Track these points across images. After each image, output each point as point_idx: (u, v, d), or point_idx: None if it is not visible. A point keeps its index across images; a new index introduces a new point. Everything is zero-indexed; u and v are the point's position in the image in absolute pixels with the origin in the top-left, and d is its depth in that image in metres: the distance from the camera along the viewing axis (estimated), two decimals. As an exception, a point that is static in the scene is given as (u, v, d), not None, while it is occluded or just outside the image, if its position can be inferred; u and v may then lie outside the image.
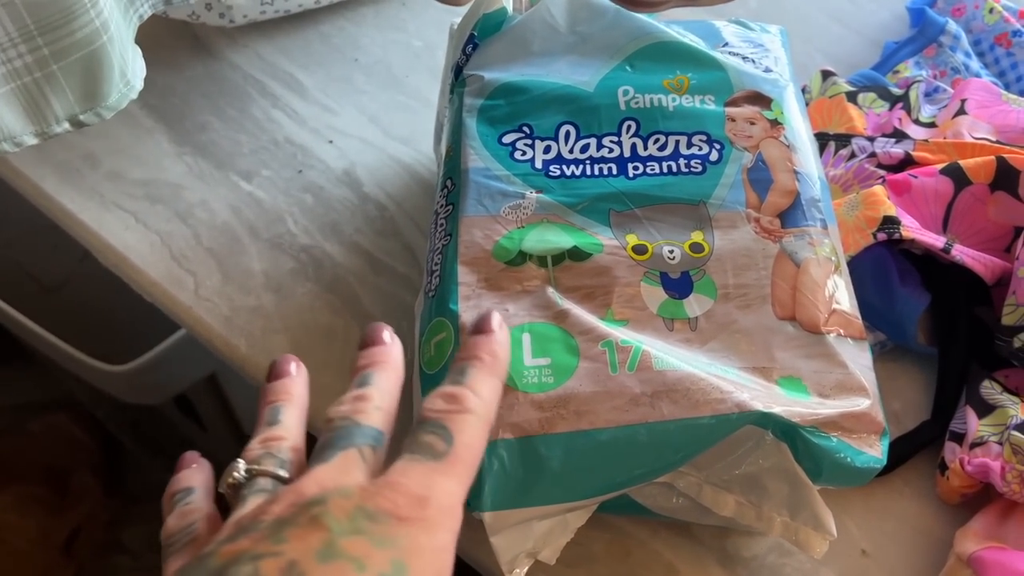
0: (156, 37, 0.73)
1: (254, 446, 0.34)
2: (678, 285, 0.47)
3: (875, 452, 0.43)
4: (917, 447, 0.52)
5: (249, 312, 0.58)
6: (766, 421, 0.42)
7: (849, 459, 0.42)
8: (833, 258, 0.47)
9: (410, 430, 0.32)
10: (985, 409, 0.50)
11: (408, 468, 0.30)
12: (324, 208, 0.64)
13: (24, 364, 1.32)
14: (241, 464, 0.33)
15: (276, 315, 0.58)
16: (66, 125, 0.52)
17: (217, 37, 0.74)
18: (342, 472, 0.30)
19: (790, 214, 0.48)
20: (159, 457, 1.46)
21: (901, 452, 0.52)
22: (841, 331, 0.45)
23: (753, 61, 0.54)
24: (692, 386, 0.43)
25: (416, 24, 0.75)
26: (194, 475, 0.36)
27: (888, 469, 0.51)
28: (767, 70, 0.54)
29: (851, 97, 0.64)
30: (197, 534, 0.32)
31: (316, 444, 0.32)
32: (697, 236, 0.48)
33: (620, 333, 0.45)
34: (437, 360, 0.45)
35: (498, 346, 0.36)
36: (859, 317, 0.47)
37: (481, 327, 0.36)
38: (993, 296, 0.55)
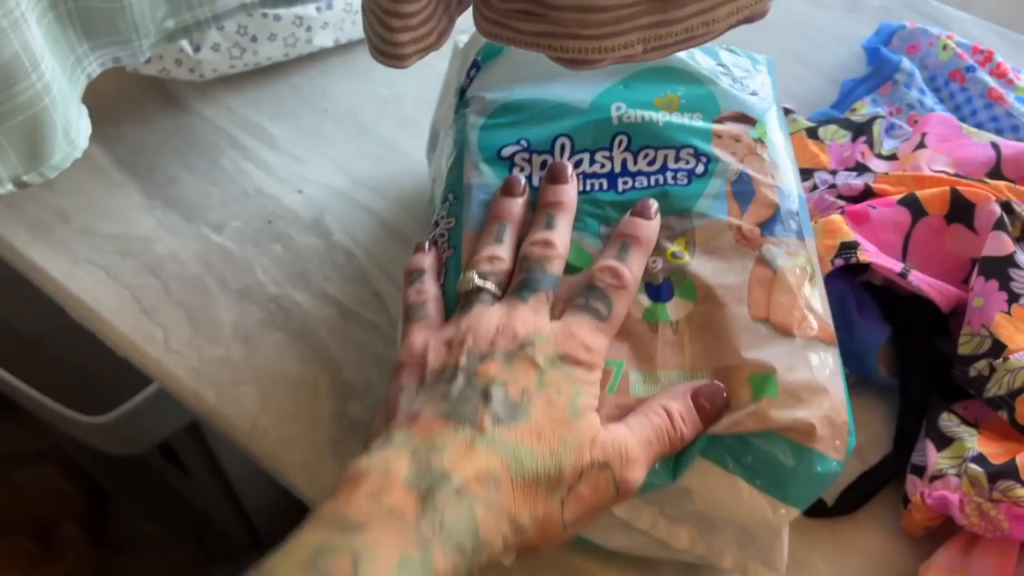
0: (127, 92, 0.75)
1: (483, 259, 0.46)
2: (660, 291, 0.49)
3: (839, 455, 0.44)
4: (881, 483, 0.52)
5: (218, 364, 0.59)
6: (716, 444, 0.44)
7: (814, 463, 0.43)
8: (808, 268, 0.48)
9: (581, 290, 0.45)
10: (944, 441, 0.50)
11: (581, 323, 0.43)
12: (293, 257, 0.64)
13: (8, 414, 1.31)
14: (474, 275, 0.45)
15: (245, 366, 0.59)
16: (9, 186, 0.53)
17: (188, 91, 0.75)
18: (536, 314, 0.43)
19: (770, 224, 0.49)
20: (145, 505, 1.45)
21: (866, 488, 0.52)
22: (812, 335, 0.46)
23: (741, 83, 0.56)
24: None
25: (383, 73, 0.76)
26: (424, 259, 0.49)
27: (855, 506, 0.52)
28: (753, 93, 0.55)
29: (811, 133, 0.66)
30: (429, 314, 0.46)
31: (515, 277, 0.46)
32: (679, 244, 0.49)
33: (615, 352, 0.46)
34: None
35: (650, 230, 0.47)
36: (831, 324, 0.47)
37: (556, 176, 0.49)
38: (952, 327, 0.56)
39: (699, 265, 0.49)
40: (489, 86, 0.56)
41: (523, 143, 0.53)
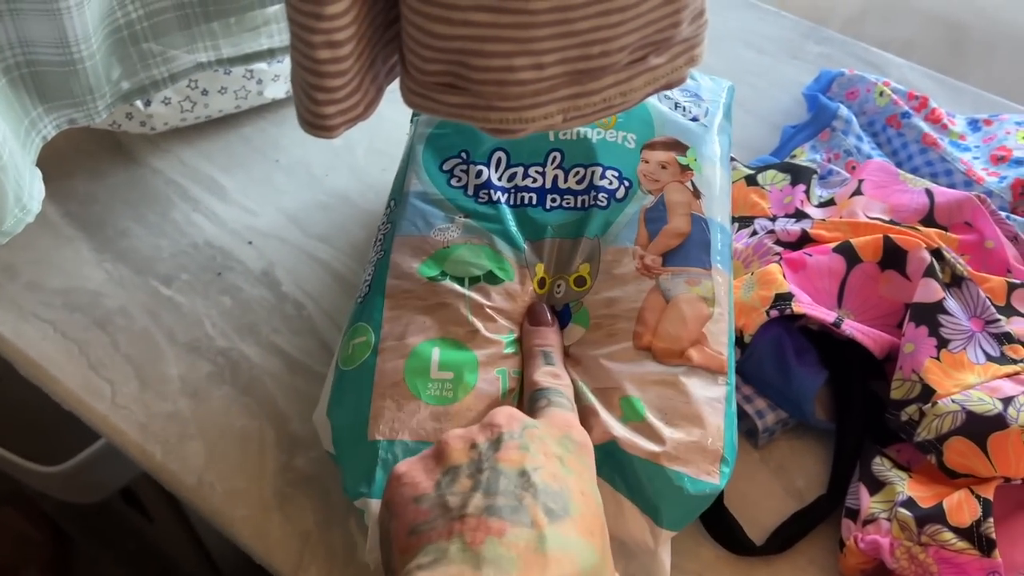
0: (78, 145, 0.75)
1: (546, 376, 0.48)
2: (560, 317, 0.52)
3: (712, 479, 0.46)
4: (813, 523, 0.53)
5: (165, 418, 0.59)
6: (611, 450, 0.46)
7: (684, 487, 0.46)
8: (708, 297, 0.50)
9: (541, 391, 0.47)
10: (876, 486, 0.52)
11: (563, 413, 0.45)
12: (242, 309, 0.65)
13: (-33, 462, 1.30)
14: (547, 384, 0.48)
15: (192, 420, 0.59)
16: None
17: (139, 144, 0.75)
18: (563, 413, 0.46)
19: (674, 254, 0.52)
20: (109, 550, 1.43)
21: (799, 528, 0.53)
22: (696, 364, 0.49)
23: (684, 109, 0.58)
24: None
25: (335, 123, 0.78)
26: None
27: (785, 546, 0.53)
28: (694, 119, 0.57)
29: (750, 180, 0.67)
30: None
31: (539, 394, 0.47)
32: (584, 270, 0.52)
33: (513, 363, 0.50)
34: (353, 359, 0.50)
35: (554, 335, 0.51)
36: (724, 354, 0.50)
37: (540, 319, 0.51)
38: (887, 371, 0.57)
39: (597, 293, 0.51)
40: None
41: (463, 155, 0.55)
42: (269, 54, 0.67)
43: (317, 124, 0.38)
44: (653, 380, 0.49)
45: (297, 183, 0.73)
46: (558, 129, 0.40)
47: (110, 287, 0.66)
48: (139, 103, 0.71)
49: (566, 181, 0.55)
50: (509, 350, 0.51)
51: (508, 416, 0.41)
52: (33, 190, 0.57)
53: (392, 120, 0.75)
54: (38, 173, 0.59)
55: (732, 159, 0.69)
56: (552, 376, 0.48)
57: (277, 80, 0.75)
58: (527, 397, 0.48)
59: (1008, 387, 0.51)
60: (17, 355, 0.62)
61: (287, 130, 0.77)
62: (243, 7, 0.63)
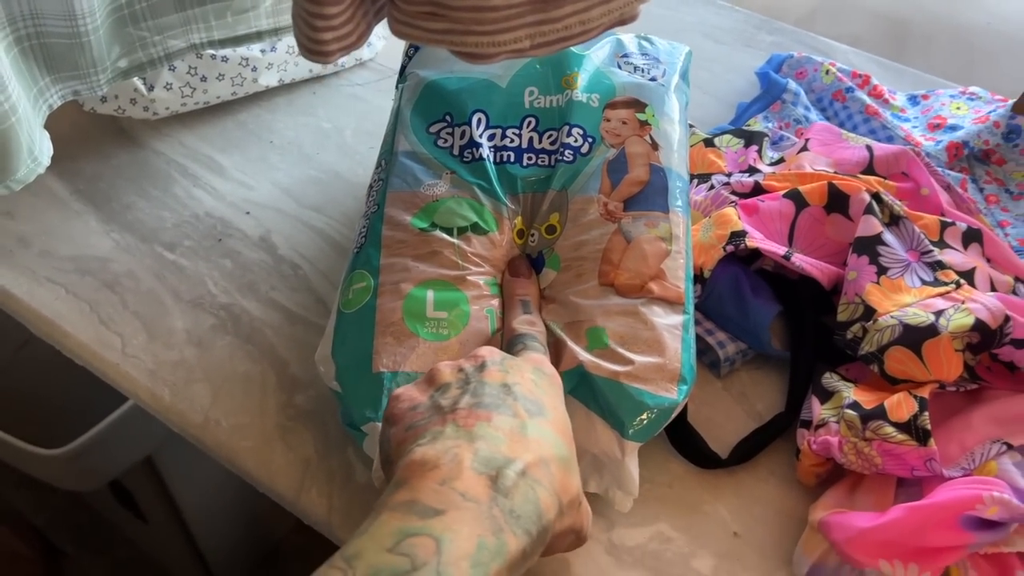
0: (84, 130, 0.80)
1: (523, 324, 0.53)
2: (535, 263, 0.58)
3: (670, 394, 0.52)
4: (771, 436, 0.58)
5: (172, 365, 0.63)
6: (580, 374, 0.52)
7: (644, 401, 0.51)
8: (666, 237, 0.56)
9: (518, 337, 0.53)
10: (825, 396, 0.57)
11: (536, 354, 0.50)
12: (242, 271, 0.70)
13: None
14: (523, 330, 0.53)
15: (198, 366, 0.63)
16: None
17: (141, 128, 0.81)
18: (536, 354, 0.51)
19: (634, 200, 0.58)
20: (102, 557, 1.45)
21: (758, 441, 0.58)
22: (655, 296, 0.54)
23: (642, 71, 0.64)
24: None
25: (325, 109, 0.84)
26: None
27: (747, 456, 0.58)
28: (652, 79, 0.63)
29: (708, 143, 0.74)
30: None
31: (517, 340, 0.53)
32: (554, 219, 0.59)
33: (497, 304, 0.56)
34: (354, 303, 0.55)
35: (532, 286, 0.56)
36: (681, 287, 0.55)
37: (520, 271, 0.57)
38: (834, 303, 0.63)
39: (566, 239, 0.57)
40: (423, 64, 0.64)
41: (447, 119, 0.61)
42: (257, 36, 0.73)
43: (315, 50, 0.44)
44: (617, 311, 0.54)
45: (290, 161, 0.79)
46: (526, 56, 0.45)
47: (117, 253, 0.71)
48: (143, 88, 0.76)
49: (540, 142, 0.61)
50: (493, 291, 0.56)
51: (489, 350, 0.48)
52: (43, 145, 0.62)
53: (377, 105, 0.81)
54: (47, 134, 0.63)
55: (691, 126, 0.76)
56: (529, 324, 0.54)
57: (271, 69, 0.81)
58: (507, 342, 0.54)
59: (940, 303, 0.57)
60: (32, 315, 0.67)
61: (280, 115, 0.83)
62: (235, -10, 0.69)
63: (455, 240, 0.57)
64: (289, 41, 0.79)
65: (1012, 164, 0.77)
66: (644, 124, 0.61)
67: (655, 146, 0.60)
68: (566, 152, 0.60)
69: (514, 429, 0.42)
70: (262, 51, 0.79)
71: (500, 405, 0.43)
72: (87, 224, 0.73)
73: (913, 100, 0.84)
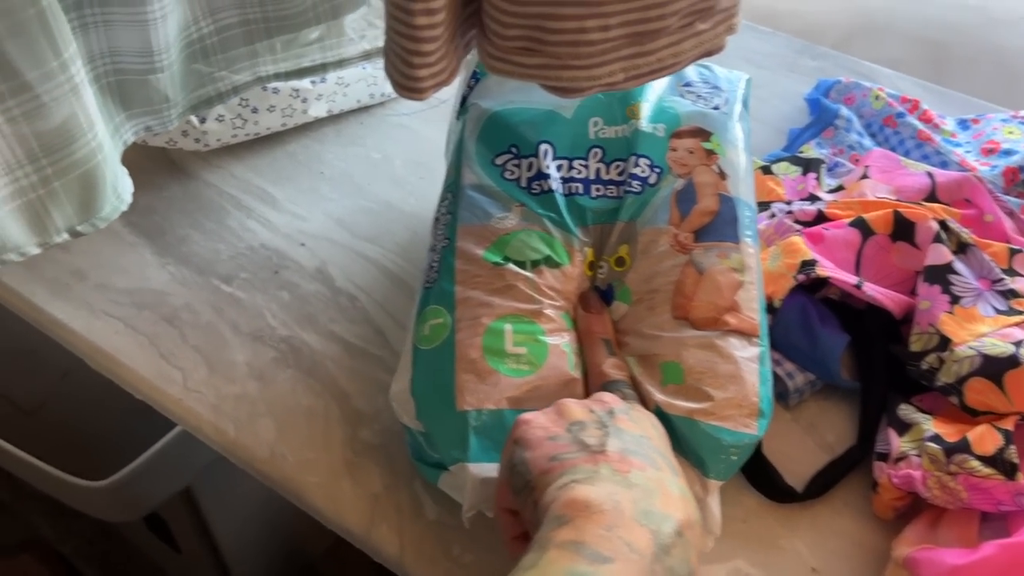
0: (135, 162, 0.79)
1: (613, 368, 0.53)
2: (605, 296, 0.58)
3: (750, 430, 0.51)
4: (846, 469, 0.57)
5: (235, 399, 0.63)
6: (657, 414, 0.51)
7: (725, 439, 0.50)
8: (738, 267, 0.56)
9: (613, 383, 0.52)
10: (903, 427, 0.56)
11: (632, 405, 0.49)
12: (300, 303, 0.69)
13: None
14: (615, 376, 0.53)
15: (260, 400, 0.63)
16: (65, 235, 0.58)
17: (192, 160, 0.81)
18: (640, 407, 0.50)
19: (705, 230, 0.57)
20: (130, 593, 1.44)
21: (834, 474, 0.57)
22: (731, 328, 0.54)
23: (705, 99, 0.64)
24: None
25: (374, 139, 0.84)
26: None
27: (823, 490, 0.57)
28: (715, 107, 0.63)
29: (766, 170, 0.73)
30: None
31: (612, 386, 0.52)
32: (623, 251, 0.58)
33: (572, 337, 0.55)
34: (432, 339, 0.55)
35: (605, 323, 0.56)
36: (755, 318, 0.55)
37: (592, 305, 0.56)
38: (903, 334, 0.62)
39: (636, 271, 0.57)
40: (485, 94, 0.64)
41: (513, 150, 0.61)
42: (322, 68, 0.73)
43: (410, 87, 0.44)
44: (693, 345, 0.54)
45: (342, 192, 0.79)
46: (618, 89, 0.45)
47: (174, 287, 0.70)
48: (195, 120, 0.76)
49: (608, 173, 0.61)
50: (568, 325, 0.56)
51: (612, 398, 0.48)
52: (125, 183, 0.62)
53: (425, 135, 0.81)
54: (126, 170, 0.63)
55: (746, 155, 0.76)
56: (618, 368, 0.53)
57: (320, 99, 0.81)
58: (598, 386, 0.53)
59: (1018, 332, 0.56)
60: (91, 349, 0.66)
61: (329, 146, 0.83)
62: (301, 24, 0.69)
63: (529, 273, 0.56)
64: (340, 72, 0.79)
65: (1068, 188, 0.77)
66: (711, 153, 0.60)
67: (722, 175, 0.59)
68: (634, 183, 0.59)
69: (662, 483, 0.42)
70: (312, 82, 0.79)
71: (645, 456, 0.43)
72: (142, 257, 0.73)
73: (963, 124, 0.83)
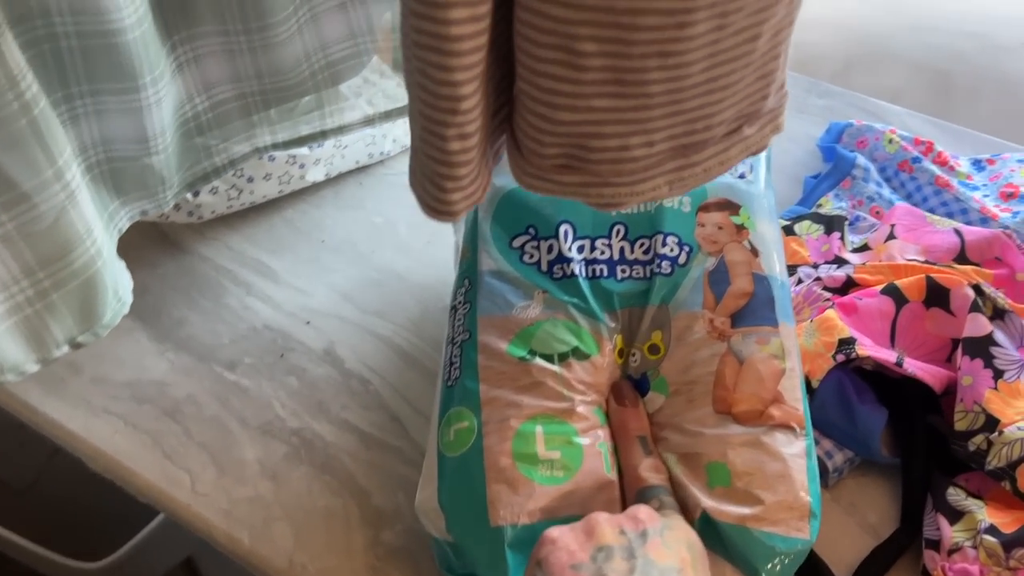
0: (125, 239, 0.75)
1: (650, 472, 0.50)
2: (639, 386, 0.55)
3: (803, 535, 0.48)
4: (895, 556, 0.55)
5: (248, 503, 0.59)
6: (705, 520, 0.48)
7: (776, 546, 0.48)
8: (779, 354, 0.53)
9: (650, 490, 0.49)
10: (955, 515, 0.54)
11: (679, 517, 0.47)
12: (309, 389, 0.66)
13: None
14: (653, 481, 0.50)
15: (275, 503, 0.59)
16: (65, 348, 0.54)
17: (185, 233, 0.77)
18: (679, 518, 0.48)
19: (742, 314, 0.54)
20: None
21: (882, 562, 0.55)
22: (776, 423, 0.51)
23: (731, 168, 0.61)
24: None
25: (374, 202, 0.80)
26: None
27: (876, 582, 0.55)
28: (741, 176, 0.60)
29: (788, 231, 0.71)
30: None
31: (649, 493, 0.49)
32: (656, 337, 0.55)
33: (606, 434, 0.52)
34: (457, 445, 0.51)
35: (640, 418, 0.53)
36: (800, 408, 0.52)
37: (625, 398, 0.54)
38: (942, 404, 0.60)
39: (672, 360, 0.54)
40: (498, 170, 0.60)
41: (531, 231, 0.57)
42: (322, 135, 0.70)
43: (443, 210, 0.41)
44: (738, 442, 0.50)
45: (345, 261, 0.75)
46: (662, 198, 0.42)
47: (175, 376, 0.67)
48: (188, 193, 0.72)
49: (632, 252, 0.57)
50: (601, 420, 0.53)
51: (648, 514, 0.45)
52: (124, 281, 0.58)
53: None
54: (123, 263, 0.60)
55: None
56: (655, 471, 0.50)
57: (318, 164, 0.78)
58: (634, 491, 0.50)
59: (1068, 411, 0.54)
60: (91, 451, 0.63)
61: (328, 211, 0.79)
62: (299, 93, 0.65)
63: (557, 368, 0.53)
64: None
65: (1089, 231, 0.75)
66: (741, 228, 0.57)
67: (755, 252, 0.57)
68: (663, 263, 0.56)
69: None
70: (309, 147, 0.76)
71: None
72: (139, 343, 0.69)
73: (978, 165, 0.81)
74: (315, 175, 0.78)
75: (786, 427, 0.51)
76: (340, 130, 0.69)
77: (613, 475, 0.51)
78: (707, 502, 0.49)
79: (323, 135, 0.69)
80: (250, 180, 0.74)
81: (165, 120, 0.58)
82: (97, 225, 0.53)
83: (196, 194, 0.73)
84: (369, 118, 0.71)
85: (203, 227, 0.77)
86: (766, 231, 0.58)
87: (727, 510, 0.49)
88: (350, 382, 0.67)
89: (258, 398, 0.65)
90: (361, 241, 0.77)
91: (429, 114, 0.36)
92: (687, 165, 0.40)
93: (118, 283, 0.57)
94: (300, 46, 0.63)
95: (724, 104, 0.39)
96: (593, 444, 0.51)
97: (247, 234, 0.77)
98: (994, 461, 0.54)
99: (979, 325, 0.58)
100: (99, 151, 0.55)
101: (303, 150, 0.76)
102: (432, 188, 0.40)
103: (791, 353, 0.54)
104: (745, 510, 0.48)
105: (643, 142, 0.38)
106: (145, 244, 0.76)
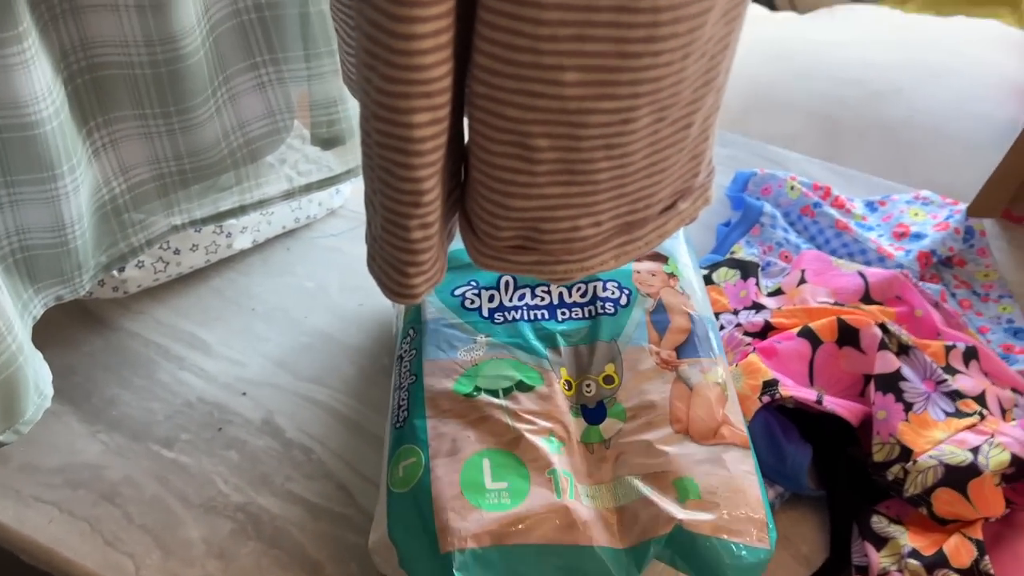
0: (47, 316, 0.73)
1: None
2: (594, 413, 0.58)
3: (765, 545, 0.52)
4: (829, 585, 0.59)
5: (197, 584, 0.59)
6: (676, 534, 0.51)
7: (743, 556, 0.51)
8: (720, 381, 0.57)
9: None
10: (880, 542, 0.58)
11: None
12: (251, 462, 0.66)
13: None
14: None
15: (225, 582, 0.59)
16: None
17: (110, 309, 0.75)
18: None
19: (685, 347, 0.59)
20: None
21: (818, 592, 0.59)
22: (728, 441, 0.55)
23: None
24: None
25: (304, 266, 0.81)
26: None
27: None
28: None
29: (707, 280, 0.75)
30: None
31: None
32: (609, 369, 0.59)
33: (559, 462, 0.54)
34: (405, 481, 0.53)
35: None
36: (744, 430, 0.56)
37: None
38: (860, 436, 0.64)
39: (626, 389, 0.58)
40: None
41: (473, 283, 0.61)
42: (241, 211, 0.70)
43: (405, 294, 0.42)
44: (700, 459, 0.54)
45: (278, 328, 0.75)
46: (609, 269, 0.45)
47: (109, 458, 0.65)
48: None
49: (571, 296, 0.62)
50: (552, 448, 0.55)
51: None
52: (43, 374, 0.57)
53: (356, 255, 0.79)
54: (39, 353, 0.58)
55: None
56: None
57: (245, 232, 0.78)
58: None
59: (972, 438, 0.59)
60: (24, 543, 0.60)
61: (257, 278, 0.79)
62: (218, 171, 0.66)
63: (503, 401, 0.56)
64: (264, 203, 0.76)
65: (972, 264, 0.82)
66: (671, 276, 0.62)
67: (686, 296, 0.61)
68: (607, 305, 0.61)
69: None
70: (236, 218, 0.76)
71: None
72: (69, 426, 0.67)
73: (871, 206, 0.88)
74: (242, 243, 0.78)
75: (737, 446, 0.55)
76: (260, 204, 0.70)
77: (565, 499, 0.52)
78: (681, 515, 0.51)
79: (243, 210, 0.69)
80: (176, 252, 0.74)
81: (82, 206, 0.57)
82: (16, 319, 0.52)
83: (121, 269, 0.72)
84: (289, 192, 0.72)
85: (129, 301, 0.76)
86: (691, 278, 0.63)
87: (701, 520, 0.51)
88: (292, 452, 0.66)
89: (199, 475, 0.65)
90: (292, 307, 0.77)
91: (392, 207, 0.38)
92: (630, 240, 0.43)
93: (39, 377, 0.56)
94: (218, 126, 0.63)
95: (662, 185, 0.42)
96: (542, 471, 0.53)
97: (175, 306, 0.76)
98: (911, 488, 0.58)
99: (888, 362, 0.63)
100: (13, 240, 0.54)
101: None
102: (395, 274, 0.41)
103: (728, 382, 0.58)
104: (716, 521, 0.51)
105: (591, 223, 0.41)
106: (69, 322, 0.74)
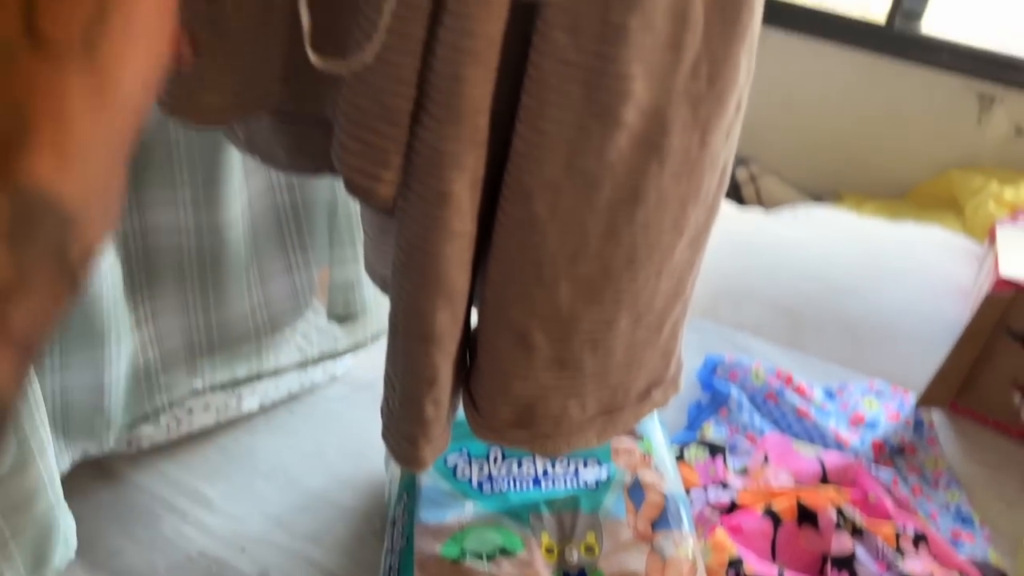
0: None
1: None
2: None
3: None
4: None
5: None
6: None
7: None
8: (691, 557, 0.63)
9: None
10: None
11: None
12: (245, 617, 0.69)
13: None
14: None
15: None
16: None
17: (119, 461, 0.80)
18: None
19: (659, 521, 0.65)
20: None
21: None
22: None
23: None
24: None
25: (306, 428, 0.86)
26: None
27: None
28: None
29: (679, 457, 0.81)
30: None
31: None
32: (591, 538, 0.64)
33: None
34: None
35: None
36: None
37: None
38: (818, 613, 0.69)
39: (606, 558, 0.63)
40: None
41: (464, 452, 0.67)
42: (257, 378, 0.77)
43: (416, 463, 0.49)
44: None
45: (278, 488, 0.80)
46: (592, 447, 0.52)
47: (110, 608, 0.68)
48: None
49: (555, 468, 0.68)
50: None
51: None
52: (70, 524, 0.61)
53: (356, 419, 0.85)
54: (66, 506, 0.63)
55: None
56: None
57: (253, 394, 0.84)
58: None
59: (920, 618, 0.64)
60: None
61: (260, 438, 0.85)
62: (242, 339, 0.73)
63: (487, 566, 0.60)
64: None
65: (922, 452, 0.89)
66: (646, 455, 0.68)
67: (660, 474, 0.67)
68: (588, 481, 0.67)
69: None
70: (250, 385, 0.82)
71: None
72: (74, 574, 0.70)
73: (829, 394, 0.96)
74: (250, 404, 0.84)
75: None
76: (275, 372, 0.77)
77: None
78: None
79: (258, 377, 0.76)
80: (190, 411, 0.80)
81: (121, 370, 0.64)
82: (57, 476, 0.57)
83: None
84: (303, 362, 0.79)
85: (137, 455, 0.81)
86: (664, 457, 0.70)
87: None
88: (286, 609, 0.70)
89: (195, 628, 0.68)
90: (293, 467, 0.82)
91: (410, 387, 0.45)
92: (611, 422, 0.50)
93: (67, 528, 0.60)
94: (247, 303, 0.71)
95: (639, 376, 0.50)
96: None
97: (182, 461, 0.81)
98: (866, 666, 0.63)
99: (843, 544, 0.69)
100: (57, 400, 0.60)
101: (242, 382, 0.82)
102: (407, 445, 0.48)
103: (698, 556, 0.63)
104: None
105: (578, 406, 0.48)
106: (77, 474, 0.79)
